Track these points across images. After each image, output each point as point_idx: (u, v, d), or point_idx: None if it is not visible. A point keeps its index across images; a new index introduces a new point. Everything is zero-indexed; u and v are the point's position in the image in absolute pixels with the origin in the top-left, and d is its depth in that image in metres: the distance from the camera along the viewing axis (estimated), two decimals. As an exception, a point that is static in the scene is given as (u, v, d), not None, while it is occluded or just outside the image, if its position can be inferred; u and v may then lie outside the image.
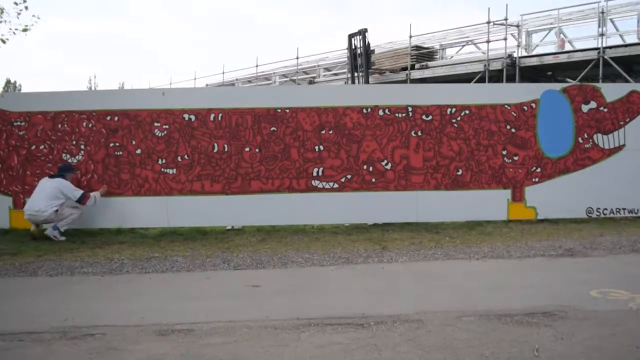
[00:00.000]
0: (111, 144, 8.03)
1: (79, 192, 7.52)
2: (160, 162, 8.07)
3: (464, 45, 19.43)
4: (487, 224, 8.08)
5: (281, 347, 3.66)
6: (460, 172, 8.27)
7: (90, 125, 8.02)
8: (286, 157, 8.12)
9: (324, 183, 8.16)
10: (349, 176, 8.17)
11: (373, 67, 18.63)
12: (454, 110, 8.25)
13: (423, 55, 18.62)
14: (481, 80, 16.14)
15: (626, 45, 14.86)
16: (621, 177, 8.32)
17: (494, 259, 6.23)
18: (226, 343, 3.75)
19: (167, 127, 8.06)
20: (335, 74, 21.80)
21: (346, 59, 19.58)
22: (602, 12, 14.68)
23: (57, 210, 7.39)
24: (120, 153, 8.04)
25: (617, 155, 8.40)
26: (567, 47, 16.31)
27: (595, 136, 8.39)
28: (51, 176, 7.65)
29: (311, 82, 21.75)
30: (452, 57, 19.48)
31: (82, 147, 8.02)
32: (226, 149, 8.08)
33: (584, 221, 8.23)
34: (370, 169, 8.19)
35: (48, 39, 71.74)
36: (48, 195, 7.37)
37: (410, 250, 6.68)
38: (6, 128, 8.06)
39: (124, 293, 5.13)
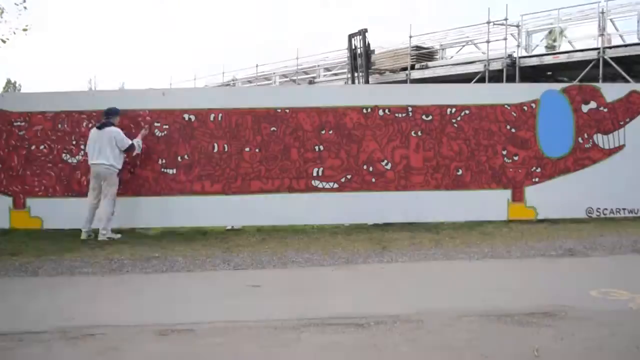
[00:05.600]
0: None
1: (127, 142, 7.53)
2: (160, 162, 8.06)
3: (464, 45, 19.42)
4: (487, 224, 8.07)
5: (281, 347, 3.66)
6: (460, 172, 8.26)
7: (90, 125, 7.99)
8: (286, 157, 8.11)
9: (324, 183, 8.16)
10: (349, 176, 8.17)
11: (373, 67, 18.63)
12: (454, 110, 8.24)
13: (423, 55, 18.62)
14: (481, 80, 16.13)
15: (626, 45, 14.86)
16: (621, 177, 8.30)
17: (494, 259, 6.23)
18: (226, 343, 3.75)
19: (167, 127, 8.06)
20: (335, 74, 21.81)
21: (346, 59, 19.58)
22: (602, 12, 14.68)
23: (118, 174, 7.52)
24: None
25: (617, 155, 8.39)
26: (568, 47, 16.33)
27: (595, 136, 8.38)
28: (99, 127, 7.53)
29: (311, 82, 21.74)
30: (452, 57, 19.47)
31: (82, 147, 8.00)
32: (226, 149, 8.08)
33: (584, 221, 8.22)
34: (370, 169, 8.18)
35: (48, 38, 71.76)
36: (107, 147, 7.39)
37: (410, 250, 6.68)
38: (6, 128, 8.05)
39: (124, 293, 5.12)
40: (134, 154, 7.71)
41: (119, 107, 7.92)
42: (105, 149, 7.42)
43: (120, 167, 7.58)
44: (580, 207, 8.41)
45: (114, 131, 7.50)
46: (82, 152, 7.97)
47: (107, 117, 7.64)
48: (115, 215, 7.61)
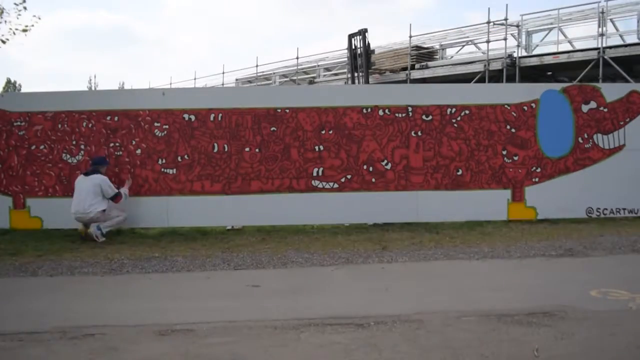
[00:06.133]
0: (111, 144, 8.02)
1: (114, 191, 7.50)
2: (160, 162, 8.06)
3: (464, 45, 19.44)
4: (487, 224, 8.07)
5: (281, 347, 3.66)
6: (460, 172, 8.26)
7: (90, 125, 8.02)
8: (286, 157, 8.11)
9: (324, 183, 8.16)
10: (349, 176, 8.17)
11: (373, 67, 18.63)
12: (454, 110, 8.24)
13: (423, 55, 18.63)
14: (481, 80, 16.13)
15: (626, 45, 14.86)
16: (621, 177, 8.31)
17: (494, 259, 6.23)
18: (226, 343, 3.75)
19: (167, 127, 8.06)
20: (335, 74, 21.81)
21: (346, 59, 19.58)
22: (602, 12, 14.68)
23: (104, 210, 7.41)
24: (120, 153, 8.04)
25: (617, 155, 8.39)
26: (567, 47, 16.34)
27: (595, 136, 8.38)
28: (86, 174, 7.53)
29: (311, 82, 21.76)
30: (452, 57, 19.49)
31: (82, 147, 8.01)
32: (226, 149, 8.08)
33: (584, 221, 8.22)
34: (370, 169, 8.18)
35: (47, 38, 71.77)
36: (90, 194, 7.34)
37: (410, 250, 6.68)
38: (6, 128, 8.06)
39: (124, 293, 5.12)
40: (120, 202, 7.63)
41: (118, 107, 7.96)
42: (88, 197, 7.34)
43: (105, 207, 7.46)
44: (580, 207, 8.41)
45: (100, 179, 7.45)
46: (82, 152, 8.00)
47: (94, 165, 7.64)
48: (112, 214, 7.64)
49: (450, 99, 8.31)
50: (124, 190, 7.73)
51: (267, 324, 4.08)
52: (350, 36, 18.44)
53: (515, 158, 8.32)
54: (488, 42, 16.74)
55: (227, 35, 79.80)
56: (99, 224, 7.42)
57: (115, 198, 7.54)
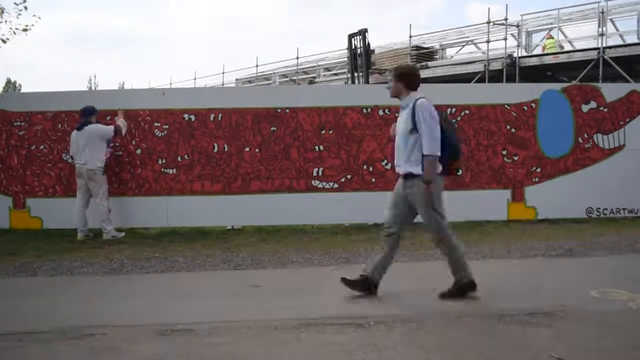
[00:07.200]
0: (111, 144, 8.00)
1: (111, 130, 7.54)
2: (160, 162, 8.06)
3: (464, 45, 19.47)
4: (487, 224, 8.06)
5: (281, 347, 3.66)
6: (460, 172, 8.23)
7: (90, 125, 8.00)
8: (286, 157, 8.11)
9: (324, 183, 8.15)
10: (349, 176, 8.16)
11: (373, 67, 18.64)
12: (454, 110, 8.24)
13: (423, 55, 18.64)
14: (481, 80, 16.14)
15: (626, 45, 14.87)
16: (621, 177, 8.30)
17: (494, 259, 6.22)
18: (226, 343, 3.74)
19: (167, 127, 8.06)
20: (335, 74, 21.82)
21: (346, 59, 19.59)
22: (602, 12, 14.69)
23: (103, 173, 7.47)
24: (120, 153, 8.04)
25: (617, 155, 8.39)
26: (567, 47, 16.35)
27: (595, 136, 8.38)
28: (78, 128, 7.54)
29: (311, 82, 21.75)
30: (452, 57, 19.51)
31: (82, 147, 7.99)
32: (226, 149, 8.08)
33: (584, 221, 8.21)
34: (370, 169, 8.18)
35: (47, 38, 71.77)
36: (87, 148, 7.40)
37: (410, 250, 6.67)
38: (6, 128, 8.06)
39: (124, 293, 5.12)
40: (124, 133, 7.67)
41: (119, 107, 7.94)
42: (85, 149, 7.42)
43: (102, 165, 7.51)
44: (580, 207, 8.41)
45: (94, 129, 7.49)
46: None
47: (84, 117, 7.61)
48: (112, 213, 7.64)
49: (450, 98, 8.30)
50: (121, 121, 7.68)
51: (267, 324, 4.08)
52: (350, 36, 18.45)
53: (515, 158, 8.31)
54: (488, 42, 16.76)
55: (227, 35, 79.78)
56: (105, 227, 7.48)
57: (116, 135, 7.57)
